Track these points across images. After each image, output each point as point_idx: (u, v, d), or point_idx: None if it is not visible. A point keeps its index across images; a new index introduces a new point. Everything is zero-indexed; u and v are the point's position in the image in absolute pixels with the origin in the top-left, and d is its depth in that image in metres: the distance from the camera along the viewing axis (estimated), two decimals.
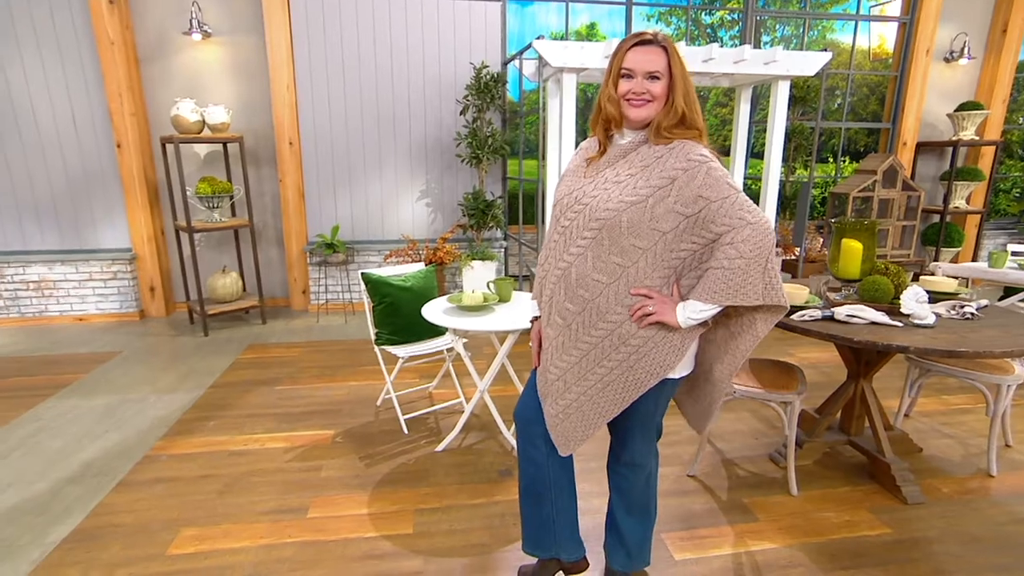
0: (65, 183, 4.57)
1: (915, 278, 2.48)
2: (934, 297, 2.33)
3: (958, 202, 5.53)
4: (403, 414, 2.83)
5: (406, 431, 2.77)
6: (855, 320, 2.05)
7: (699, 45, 3.91)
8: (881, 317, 2.04)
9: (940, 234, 5.52)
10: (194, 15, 4.36)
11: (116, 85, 4.32)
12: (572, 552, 1.66)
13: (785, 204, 5.41)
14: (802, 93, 5.10)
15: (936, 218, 5.66)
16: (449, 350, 2.93)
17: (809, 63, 3.94)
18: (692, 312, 1.36)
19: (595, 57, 3.57)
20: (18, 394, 3.25)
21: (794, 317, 2.09)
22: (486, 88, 4.52)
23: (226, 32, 4.56)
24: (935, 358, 2.42)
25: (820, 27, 7.29)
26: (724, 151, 5.23)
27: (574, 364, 1.45)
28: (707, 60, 3.80)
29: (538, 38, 3.87)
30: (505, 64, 4.85)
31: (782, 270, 5.17)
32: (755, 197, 4.71)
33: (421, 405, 3.08)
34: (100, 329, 4.52)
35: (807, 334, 2.01)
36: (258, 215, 4.93)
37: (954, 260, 5.71)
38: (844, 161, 6.38)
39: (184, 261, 4.63)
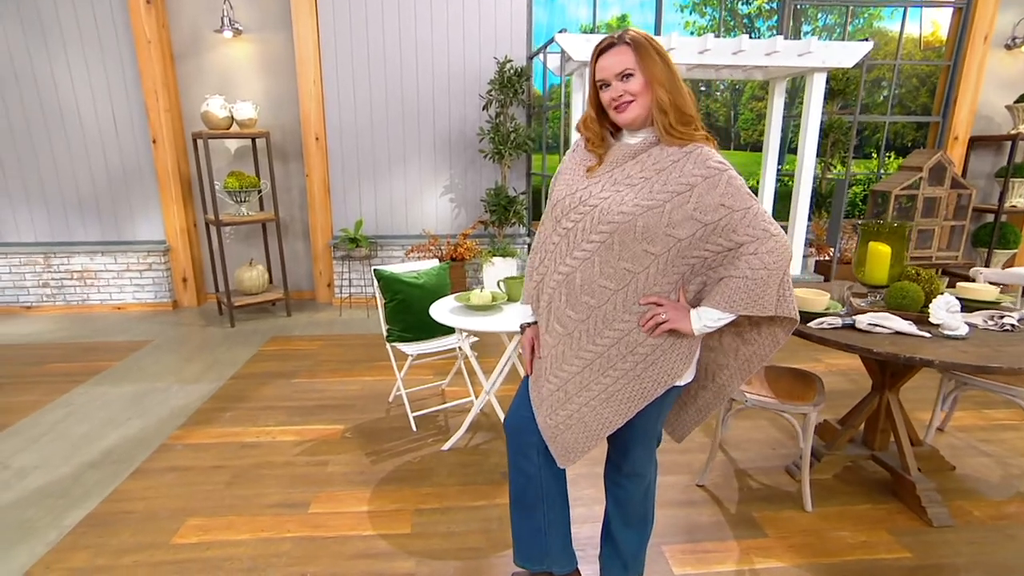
0: (105, 178, 4.77)
1: (951, 284, 2.31)
2: (970, 306, 2.17)
3: (1015, 200, 5.16)
4: (413, 411, 2.84)
5: (415, 428, 2.77)
6: (878, 329, 1.93)
7: (734, 36, 3.75)
8: (907, 327, 1.91)
9: (993, 235, 5.18)
10: (226, 13, 4.46)
11: (152, 83, 4.47)
12: (564, 565, 1.63)
13: (820, 202, 5.16)
14: (841, 86, 4.84)
15: (990, 218, 5.30)
16: (460, 348, 2.91)
17: (847, 54, 3.73)
18: (709, 320, 1.32)
19: None
20: (55, 379, 3.41)
21: (811, 324, 1.98)
22: (509, 83, 4.47)
23: (255, 29, 4.65)
24: (967, 372, 2.25)
25: (866, 15, 6.90)
26: (759, 147, 5.02)
27: (576, 374, 1.40)
28: (737, 52, 3.65)
29: (561, 31, 3.79)
30: (530, 58, 4.78)
31: (815, 271, 4.94)
32: (787, 195, 4.51)
33: (432, 402, 3.08)
34: (136, 318, 4.71)
35: (824, 343, 1.90)
36: (285, 209, 5.03)
37: (1009, 263, 5.34)
38: (889, 157, 6.04)
39: (213, 254, 4.77)
